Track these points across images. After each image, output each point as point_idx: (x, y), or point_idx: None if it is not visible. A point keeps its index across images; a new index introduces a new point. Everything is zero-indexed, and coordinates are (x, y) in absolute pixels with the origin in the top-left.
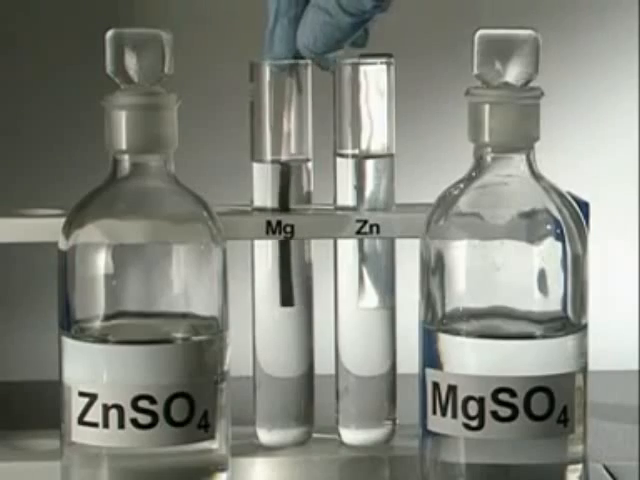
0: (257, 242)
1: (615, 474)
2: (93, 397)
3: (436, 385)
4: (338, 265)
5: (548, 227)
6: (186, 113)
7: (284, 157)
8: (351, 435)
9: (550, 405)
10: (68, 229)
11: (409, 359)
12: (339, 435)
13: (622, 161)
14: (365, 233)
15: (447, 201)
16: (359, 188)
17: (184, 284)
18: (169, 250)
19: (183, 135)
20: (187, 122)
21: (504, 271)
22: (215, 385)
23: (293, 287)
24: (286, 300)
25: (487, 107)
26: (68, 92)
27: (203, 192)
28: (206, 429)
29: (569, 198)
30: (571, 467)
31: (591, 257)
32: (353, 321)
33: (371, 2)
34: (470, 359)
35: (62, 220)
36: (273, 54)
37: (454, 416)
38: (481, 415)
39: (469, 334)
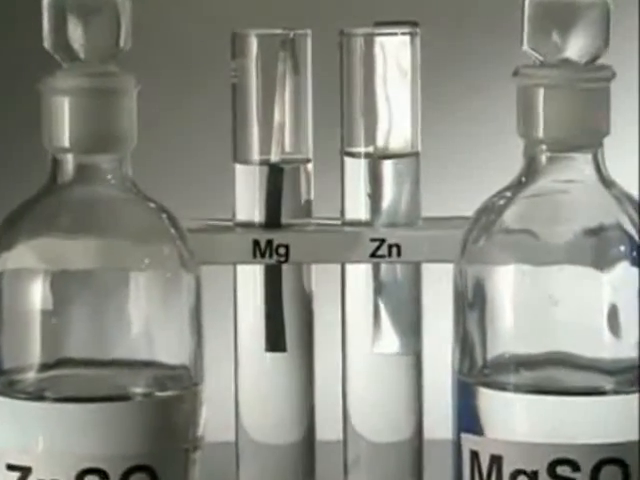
0: (241, 268)
1: None
2: (26, 471)
3: (475, 455)
4: (347, 297)
5: (621, 248)
6: (148, 100)
7: (276, 157)
8: None
9: None
10: None
11: (439, 421)
12: None
13: (623, 160)
14: (382, 256)
15: (489, 215)
16: (374, 197)
17: (145, 323)
18: (126, 279)
19: (144, 129)
20: (150, 112)
21: (564, 306)
22: (186, 455)
23: (284, 326)
24: (274, 343)
25: (541, 92)
26: None
27: (170, 203)
28: None
29: None
30: None
31: None
32: (366, 371)
33: None
34: (520, 421)
35: None
36: None
37: None
38: None
39: (518, 389)
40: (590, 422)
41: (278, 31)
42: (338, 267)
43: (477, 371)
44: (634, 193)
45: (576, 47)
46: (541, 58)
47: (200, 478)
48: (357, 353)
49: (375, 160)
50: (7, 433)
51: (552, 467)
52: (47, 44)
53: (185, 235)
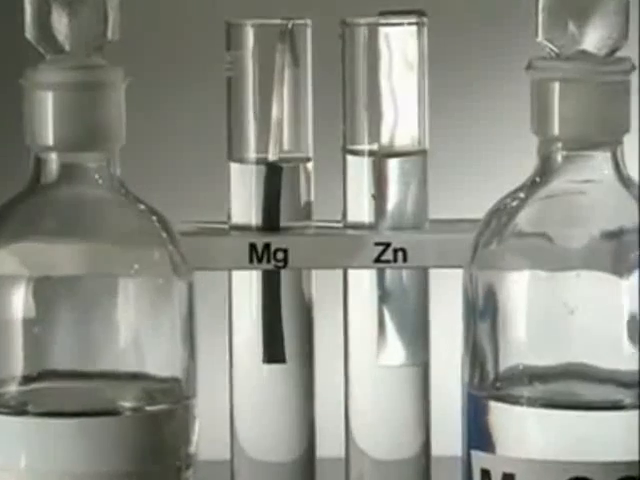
0: (237, 274)
1: None
2: None
3: (486, 473)
4: (349, 305)
5: None
6: (137, 94)
7: (274, 155)
8: None
9: None
10: None
11: (448, 437)
12: None
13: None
14: (387, 261)
15: (502, 217)
16: (378, 198)
17: (134, 332)
18: (114, 285)
19: (133, 125)
20: (139, 107)
21: (581, 314)
22: (177, 473)
23: (283, 336)
24: (272, 354)
25: (557, 86)
26: None
27: (161, 204)
28: None
29: None
30: None
31: None
32: (370, 384)
33: None
34: (534, 438)
35: None
36: None
37: None
38: None
39: (532, 403)
40: (608, 438)
41: (276, 21)
42: (340, 273)
43: (488, 384)
44: None
45: (594, 38)
46: (557, 50)
47: None
48: (360, 365)
49: (379, 158)
50: None
51: None
52: (29, 35)
53: (177, 239)
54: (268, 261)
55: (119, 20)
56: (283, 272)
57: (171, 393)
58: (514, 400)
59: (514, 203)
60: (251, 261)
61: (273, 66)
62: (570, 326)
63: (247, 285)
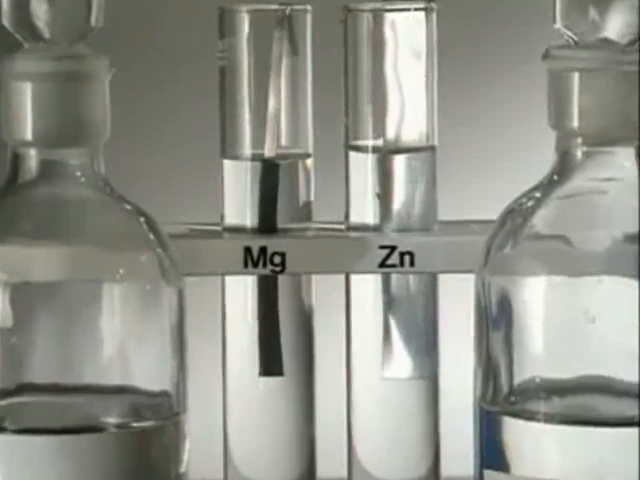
0: (230, 279)
1: None
2: None
3: None
4: (352, 313)
5: None
6: (123, 86)
7: (270, 151)
8: None
9: None
10: None
11: (459, 455)
12: None
13: None
14: (393, 266)
15: (517, 218)
16: (384, 197)
17: (120, 343)
18: (98, 292)
19: (119, 119)
20: (125, 99)
21: (602, 323)
22: None
23: (281, 347)
24: (269, 366)
25: (576, 76)
26: None
27: (149, 204)
28: None
29: None
30: None
31: None
32: (375, 398)
33: None
34: (551, 456)
35: None
36: None
37: None
38: None
39: (550, 419)
40: (631, 456)
41: (273, 6)
42: (342, 279)
43: (502, 398)
44: None
45: (616, 24)
46: (576, 38)
47: None
48: (364, 378)
49: (385, 155)
50: None
51: None
52: (6, 22)
53: (166, 241)
54: (264, 266)
55: (103, 5)
56: (280, 278)
57: (160, 408)
58: (530, 416)
59: (530, 203)
60: (246, 266)
61: (270, 55)
62: (591, 336)
63: (242, 292)
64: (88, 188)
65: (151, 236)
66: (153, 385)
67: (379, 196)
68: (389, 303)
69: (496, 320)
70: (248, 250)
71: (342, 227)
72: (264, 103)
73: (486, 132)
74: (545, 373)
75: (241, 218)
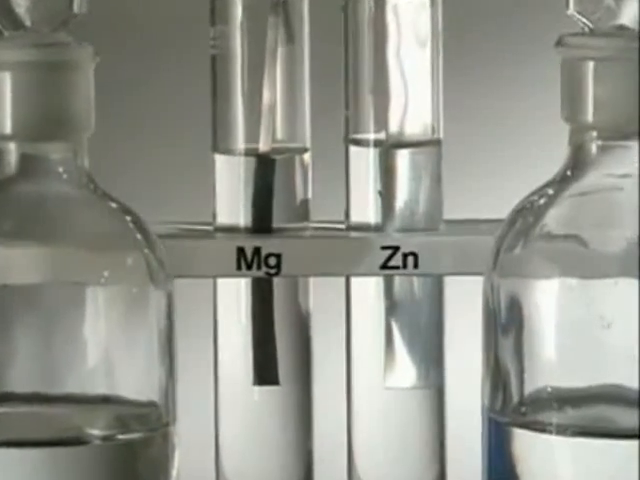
0: (223, 282)
1: None
2: None
3: None
4: (352, 318)
5: None
6: (108, 76)
7: (265, 146)
8: None
9: None
10: None
11: (466, 469)
12: None
13: None
14: (396, 267)
15: (528, 216)
16: (386, 195)
17: (105, 350)
18: (81, 295)
19: (104, 112)
20: (110, 91)
21: (619, 328)
22: None
23: (276, 354)
24: (264, 375)
25: (591, 65)
26: None
27: (136, 203)
28: None
29: None
30: None
31: None
32: (377, 408)
33: None
34: (564, 470)
35: None
36: None
37: None
38: None
39: (563, 430)
40: None
41: None
42: (342, 281)
43: (512, 409)
44: None
45: (633, 11)
46: (591, 24)
47: None
48: (365, 387)
49: (387, 149)
50: None
51: None
52: None
53: (154, 242)
54: (259, 268)
55: None
56: (276, 281)
57: (147, 419)
58: (542, 427)
59: (542, 201)
60: (239, 268)
61: (264, 43)
62: (606, 342)
63: (234, 296)
64: (71, 185)
65: (138, 236)
66: (140, 394)
67: (381, 193)
68: (392, 307)
69: (506, 325)
70: (241, 251)
71: (342, 227)
72: (258, 94)
73: (495, 125)
74: (558, 382)
75: (234, 217)
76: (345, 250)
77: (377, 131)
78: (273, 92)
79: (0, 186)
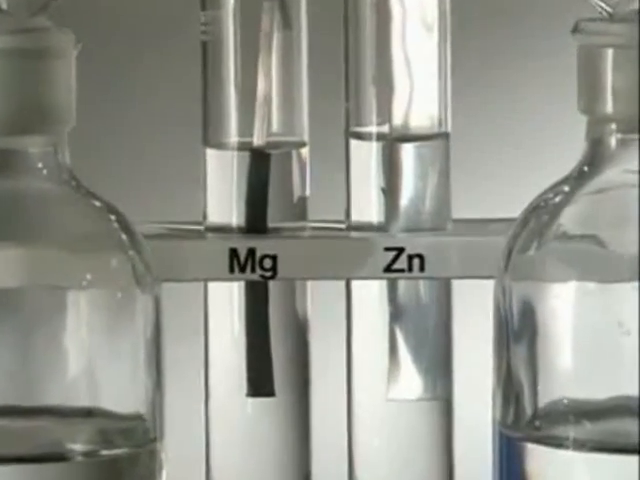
0: (214, 286)
1: None
2: None
3: None
4: (353, 324)
5: None
6: (91, 64)
7: (260, 140)
8: None
9: None
10: None
11: None
12: None
13: None
14: (401, 270)
15: (542, 216)
16: (390, 192)
17: (87, 359)
18: (62, 300)
19: (86, 103)
20: (94, 80)
21: (639, 335)
22: None
23: (272, 362)
24: (258, 385)
25: (610, 53)
26: None
27: (121, 201)
28: None
29: None
30: None
31: None
32: (379, 421)
33: None
34: None
35: None
36: None
37: None
38: None
39: (580, 446)
40: None
41: None
42: (342, 285)
43: (525, 423)
44: None
45: None
46: (609, 9)
47: None
48: (367, 398)
49: (391, 143)
50: None
51: None
52: None
53: (140, 243)
54: (253, 270)
55: None
56: (271, 284)
57: (133, 434)
58: (557, 442)
59: (557, 199)
60: (232, 270)
61: (259, 29)
62: (626, 351)
63: (227, 300)
64: (51, 181)
65: (123, 236)
66: (125, 407)
67: (384, 191)
68: (396, 313)
69: (518, 332)
70: (234, 253)
71: (342, 226)
72: (253, 84)
73: (507, 118)
74: (574, 393)
75: (226, 216)
76: (346, 252)
77: (380, 124)
78: (268, 82)
79: None
